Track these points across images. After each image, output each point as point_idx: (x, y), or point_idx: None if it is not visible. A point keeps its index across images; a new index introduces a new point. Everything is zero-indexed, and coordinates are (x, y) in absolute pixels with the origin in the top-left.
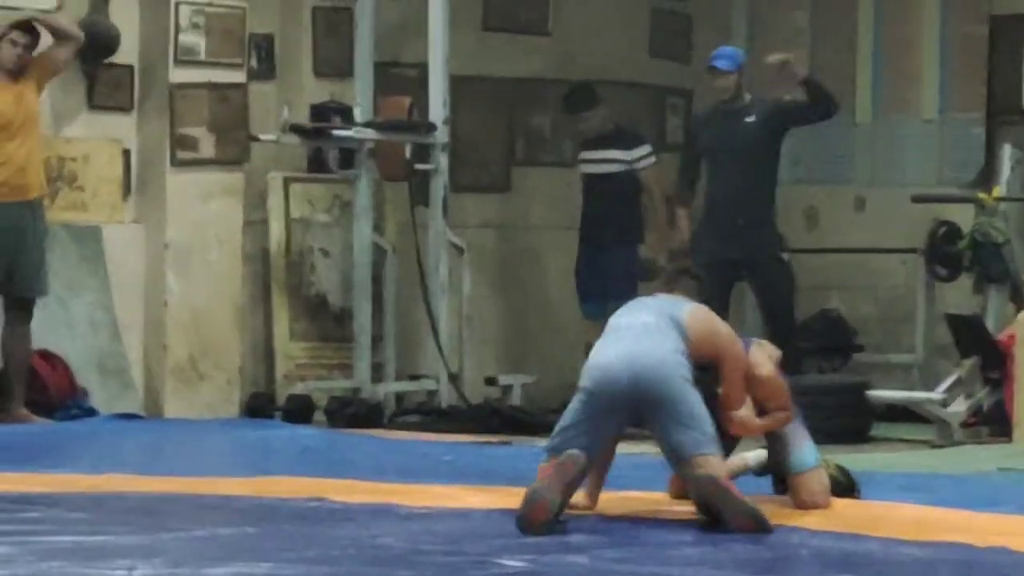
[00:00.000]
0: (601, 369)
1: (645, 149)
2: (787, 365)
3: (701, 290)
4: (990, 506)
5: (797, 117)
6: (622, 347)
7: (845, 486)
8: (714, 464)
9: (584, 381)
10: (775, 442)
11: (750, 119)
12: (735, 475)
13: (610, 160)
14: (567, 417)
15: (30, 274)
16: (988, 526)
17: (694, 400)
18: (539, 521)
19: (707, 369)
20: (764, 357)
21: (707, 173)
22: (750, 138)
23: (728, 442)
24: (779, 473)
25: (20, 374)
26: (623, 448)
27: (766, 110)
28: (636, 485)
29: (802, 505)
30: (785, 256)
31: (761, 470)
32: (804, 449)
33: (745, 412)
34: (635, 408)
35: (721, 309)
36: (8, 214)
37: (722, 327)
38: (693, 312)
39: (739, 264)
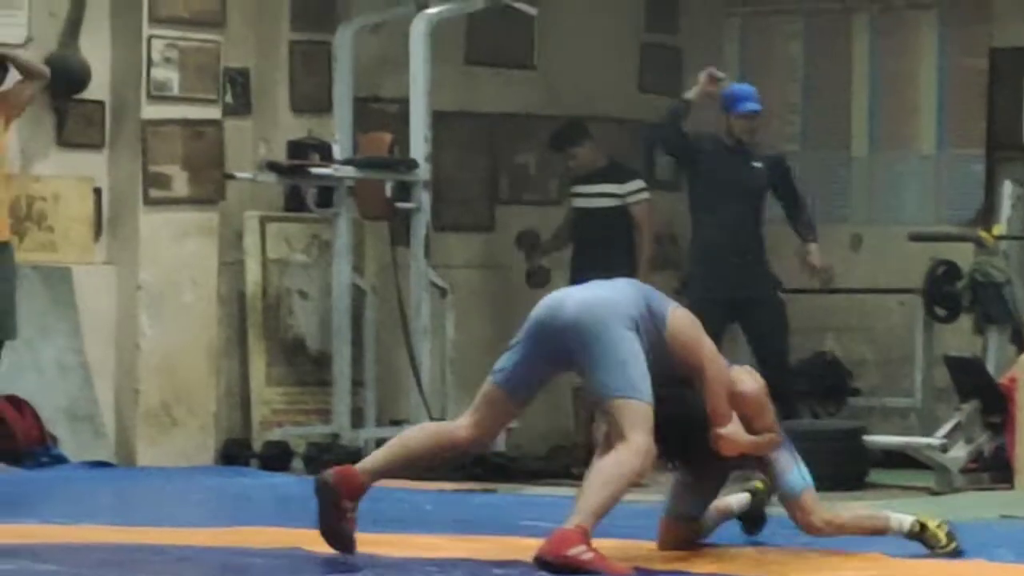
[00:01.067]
0: (548, 301)
1: (638, 184)
2: (781, 409)
3: None
4: (991, 555)
5: (782, 191)
6: (574, 289)
7: (942, 545)
8: (632, 409)
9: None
10: (765, 469)
11: (757, 164)
12: (721, 519)
13: (603, 194)
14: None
15: None
16: None
17: (629, 349)
18: None
19: (684, 382)
20: (747, 375)
21: (703, 209)
22: (759, 183)
23: (718, 469)
24: (753, 516)
25: None
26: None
27: (770, 160)
28: (630, 534)
29: (807, 526)
30: (781, 296)
31: (742, 515)
32: (794, 472)
33: (733, 428)
34: (568, 343)
35: None
36: None
37: (706, 337)
38: (678, 310)
39: (735, 304)
